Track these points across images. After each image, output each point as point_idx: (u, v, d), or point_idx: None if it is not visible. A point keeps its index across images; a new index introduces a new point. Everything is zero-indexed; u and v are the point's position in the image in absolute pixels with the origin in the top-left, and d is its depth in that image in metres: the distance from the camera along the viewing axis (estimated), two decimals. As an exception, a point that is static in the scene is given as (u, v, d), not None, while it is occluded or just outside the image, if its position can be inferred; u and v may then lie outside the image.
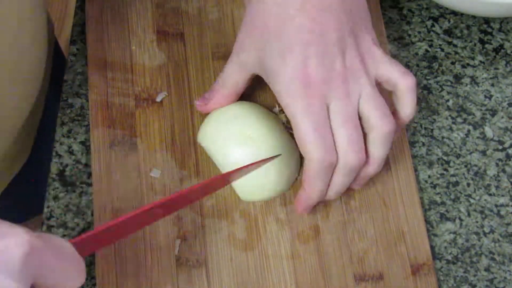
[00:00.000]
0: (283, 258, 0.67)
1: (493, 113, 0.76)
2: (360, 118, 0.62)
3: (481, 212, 0.71)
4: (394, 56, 0.77)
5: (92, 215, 0.69)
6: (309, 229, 0.69)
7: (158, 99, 0.73)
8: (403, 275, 0.68)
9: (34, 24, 0.70)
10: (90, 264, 0.67)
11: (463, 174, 0.73)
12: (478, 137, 0.74)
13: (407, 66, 0.77)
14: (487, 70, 0.78)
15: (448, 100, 0.76)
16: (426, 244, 0.69)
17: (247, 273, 0.67)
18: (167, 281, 0.66)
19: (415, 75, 0.76)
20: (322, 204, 0.69)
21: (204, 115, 0.71)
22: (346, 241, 0.69)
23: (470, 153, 0.74)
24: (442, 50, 0.79)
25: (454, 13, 0.80)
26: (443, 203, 0.71)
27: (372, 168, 0.64)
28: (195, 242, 0.67)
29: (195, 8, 0.77)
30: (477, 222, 0.71)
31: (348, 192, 0.69)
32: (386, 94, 0.64)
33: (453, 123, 0.75)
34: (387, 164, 0.71)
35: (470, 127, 0.75)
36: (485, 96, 0.76)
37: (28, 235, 0.42)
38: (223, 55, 0.75)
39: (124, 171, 0.69)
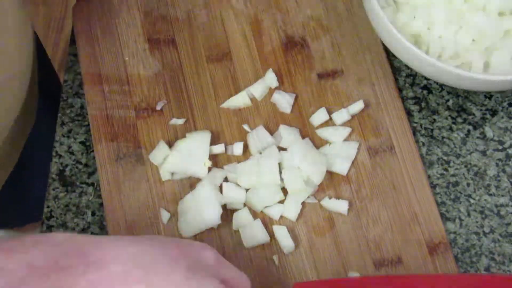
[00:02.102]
0: (302, 253, 0.68)
1: (493, 113, 0.76)
2: None
3: (481, 212, 0.71)
4: (394, 56, 0.76)
5: (92, 215, 0.69)
6: (323, 221, 0.69)
7: (158, 108, 0.72)
8: (421, 256, 0.68)
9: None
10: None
11: (463, 174, 0.73)
12: (478, 137, 0.74)
13: (406, 66, 0.76)
14: None
15: (448, 100, 0.76)
16: (439, 223, 0.69)
17: (267, 270, 0.67)
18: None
19: (415, 75, 0.76)
20: (334, 197, 0.69)
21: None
22: (362, 229, 0.69)
23: (470, 153, 0.74)
24: None
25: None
26: (443, 203, 0.72)
27: None
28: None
29: (183, 13, 0.77)
30: (477, 222, 0.71)
31: (357, 180, 0.70)
32: None
33: (453, 123, 0.75)
34: (391, 147, 0.72)
35: (470, 127, 0.75)
36: (485, 96, 0.76)
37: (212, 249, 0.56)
38: (217, 57, 0.75)
39: (133, 183, 0.69)
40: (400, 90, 0.76)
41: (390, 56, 0.76)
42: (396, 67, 0.77)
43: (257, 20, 0.77)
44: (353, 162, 0.71)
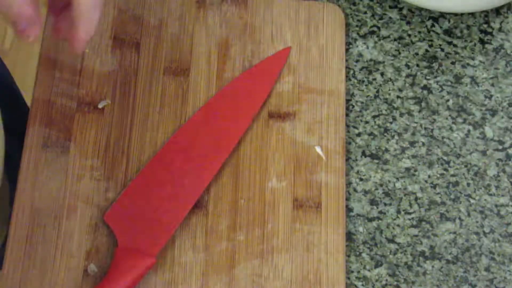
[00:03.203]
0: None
1: (493, 113, 0.75)
2: None
3: (481, 212, 0.71)
4: (394, 56, 0.77)
5: None
6: (225, 259, 0.68)
7: (100, 106, 0.72)
8: (312, 323, 0.66)
9: None
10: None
11: (463, 174, 0.72)
12: (478, 137, 0.74)
13: (407, 66, 0.76)
14: (487, 70, 0.77)
15: (448, 100, 0.75)
16: (342, 294, 0.67)
17: (153, 294, 0.66)
18: (71, 289, 0.66)
19: (415, 75, 0.76)
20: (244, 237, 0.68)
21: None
22: (261, 277, 0.67)
23: (470, 153, 0.73)
24: (442, 50, 0.78)
25: (454, 13, 0.78)
26: (443, 203, 0.71)
27: None
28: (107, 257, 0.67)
29: (156, 19, 0.77)
30: (477, 222, 0.70)
31: (273, 228, 0.68)
32: None
33: (453, 123, 0.74)
34: (318, 205, 0.70)
35: (470, 127, 0.74)
36: (485, 96, 0.75)
37: None
38: (175, 71, 0.74)
39: (51, 173, 0.69)
40: (400, 90, 0.75)
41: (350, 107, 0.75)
42: (395, 67, 0.76)
43: (227, 44, 0.76)
44: (274, 208, 0.70)
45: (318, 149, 0.71)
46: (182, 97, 0.74)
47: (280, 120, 0.73)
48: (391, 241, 0.70)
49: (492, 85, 0.76)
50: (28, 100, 0.97)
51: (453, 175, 0.72)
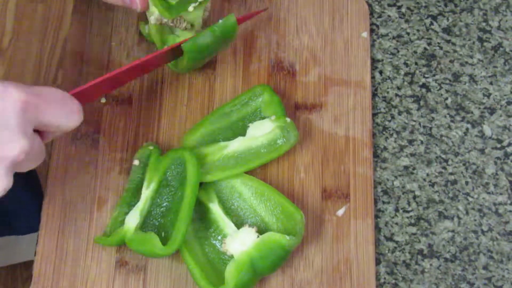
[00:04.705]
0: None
1: (492, 111, 0.75)
2: None
3: (479, 211, 0.71)
4: (393, 54, 0.76)
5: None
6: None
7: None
8: (343, 312, 0.66)
9: None
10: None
11: (462, 172, 0.72)
12: (476, 136, 0.74)
13: (405, 64, 0.76)
14: (486, 68, 0.77)
15: (446, 98, 0.75)
16: (372, 284, 0.67)
17: (184, 285, 0.66)
18: (103, 282, 0.66)
19: (414, 73, 0.76)
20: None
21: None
22: (291, 268, 0.67)
23: (469, 152, 0.73)
24: (441, 48, 0.78)
25: (453, 11, 0.78)
26: (441, 201, 0.71)
27: None
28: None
29: (182, 13, 0.77)
30: (475, 220, 0.70)
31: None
32: None
33: (452, 121, 0.74)
34: (347, 195, 0.70)
35: (469, 126, 0.74)
36: (484, 95, 0.75)
37: (21, 94, 0.50)
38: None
39: (82, 165, 0.69)
40: (398, 88, 0.75)
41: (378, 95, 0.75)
42: (394, 65, 0.76)
43: (252, 37, 0.76)
44: (303, 199, 0.70)
45: None
46: (209, 89, 0.74)
47: (307, 111, 0.73)
48: (389, 239, 0.70)
49: (491, 83, 0.76)
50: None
51: (451, 174, 0.72)
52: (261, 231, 0.65)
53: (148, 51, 0.75)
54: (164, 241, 0.64)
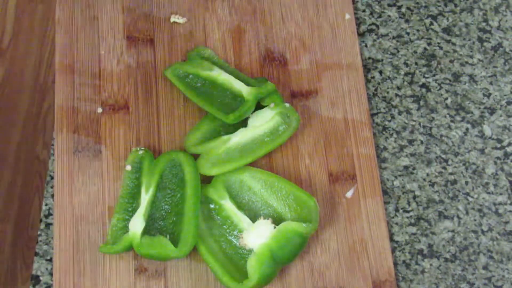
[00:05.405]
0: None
1: (492, 111, 0.75)
2: None
3: (479, 211, 0.71)
4: (393, 54, 0.77)
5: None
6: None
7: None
8: (365, 291, 0.67)
9: None
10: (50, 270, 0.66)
11: (462, 172, 0.72)
12: (476, 136, 0.74)
13: (405, 64, 0.77)
14: (486, 68, 0.77)
15: (446, 98, 0.75)
16: (389, 261, 0.68)
17: (206, 285, 0.66)
18: (125, 291, 0.65)
19: (414, 73, 0.76)
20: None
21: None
22: (308, 254, 0.68)
23: (469, 152, 0.73)
24: (441, 48, 0.78)
25: (453, 11, 0.79)
26: (441, 201, 0.71)
27: None
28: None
29: (166, 14, 0.77)
30: (475, 220, 0.71)
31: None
32: None
33: (452, 121, 0.75)
34: (353, 177, 0.71)
35: (469, 126, 0.75)
36: (484, 95, 0.76)
37: None
38: (193, 63, 0.74)
39: (87, 178, 0.69)
40: (398, 88, 0.76)
41: (370, 78, 0.75)
42: (394, 65, 0.76)
43: (240, 31, 0.76)
44: (311, 186, 0.70)
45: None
46: (204, 88, 0.74)
47: (304, 99, 0.74)
48: (390, 239, 0.70)
49: (491, 83, 0.76)
50: (28, 99, 0.96)
51: (451, 174, 0.72)
52: (275, 222, 0.66)
53: (138, 55, 0.74)
54: (172, 243, 0.64)
